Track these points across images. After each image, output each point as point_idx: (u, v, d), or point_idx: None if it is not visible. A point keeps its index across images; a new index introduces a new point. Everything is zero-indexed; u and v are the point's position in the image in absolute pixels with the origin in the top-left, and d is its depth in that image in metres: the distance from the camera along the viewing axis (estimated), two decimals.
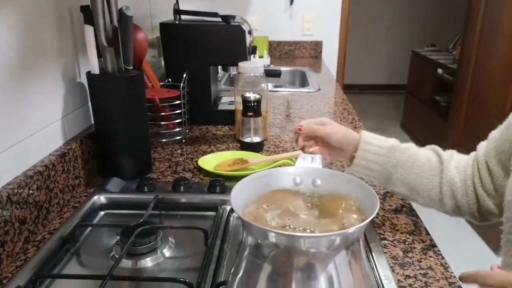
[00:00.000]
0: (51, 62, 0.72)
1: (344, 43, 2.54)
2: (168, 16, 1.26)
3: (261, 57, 2.16)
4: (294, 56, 2.52)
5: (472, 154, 0.67)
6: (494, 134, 0.65)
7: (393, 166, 0.64)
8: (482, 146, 0.66)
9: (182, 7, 1.35)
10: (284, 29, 2.47)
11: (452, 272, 0.57)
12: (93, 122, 0.83)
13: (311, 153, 0.63)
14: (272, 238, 0.30)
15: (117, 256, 0.58)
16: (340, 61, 2.58)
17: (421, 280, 0.55)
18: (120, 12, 0.76)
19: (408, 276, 0.55)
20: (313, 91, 1.64)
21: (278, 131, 1.15)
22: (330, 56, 2.53)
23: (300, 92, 1.65)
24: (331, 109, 1.42)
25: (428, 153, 0.66)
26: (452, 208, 0.64)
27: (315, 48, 2.50)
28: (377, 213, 0.70)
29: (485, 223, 0.65)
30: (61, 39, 0.75)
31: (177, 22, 1.14)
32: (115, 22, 0.76)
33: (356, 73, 4.84)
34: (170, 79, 1.12)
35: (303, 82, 1.95)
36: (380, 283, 0.53)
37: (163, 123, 1.06)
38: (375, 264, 0.57)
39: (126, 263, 0.58)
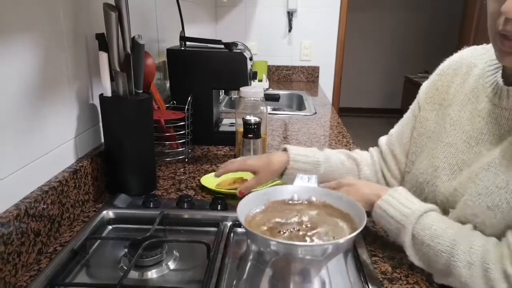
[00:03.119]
0: (67, 85, 0.77)
1: (340, 68, 2.63)
2: (174, 41, 1.33)
3: (260, 80, 2.24)
4: (292, 80, 2.60)
5: (374, 151, 0.88)
6: (394, 130, 0.86)
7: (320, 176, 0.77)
8: (383, 140, 0.87)
9: (186, 31, 1.42)
10: (283, 54, 2.56)
11: (435, 286, 0.61)
12: (102, 141, 0.89)
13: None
14: (273, 246, 0.35)
15: (125, 268, 0.62)
16: (336, 85, 2.66)
17: None
18: (133, 41, 0.83)
19: None
20: (310, 115, 1.71)
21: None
22: (326, 80, 2.62)
23: (297, 115, 1.72)
24: (326, 132, 1.48)
25: (341, 158, 0.84)
26: None
27: (312, 73, 2.59)
28: (369, 232, 0.75)
29: None
30: (77, 63, 0.80)
31: (183, 48, 1.21)
32: (128, 49, 0.82)
33: (352, 97, 4.96)
34: (175, 101, 1.17)
35: (300, 106, 2.02)
36: None
37: (167, 143, 1.11)
38: (365, 279, 0.61)
39: (133, 274, 0.62)
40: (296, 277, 0.34)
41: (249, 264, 0.37)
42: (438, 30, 4.76)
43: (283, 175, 0.82)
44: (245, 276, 0.38)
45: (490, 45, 0.71)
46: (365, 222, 0.37)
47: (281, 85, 2.43)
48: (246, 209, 0.41)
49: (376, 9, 4.85)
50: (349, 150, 1.25)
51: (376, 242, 0.73)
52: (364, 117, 5.05)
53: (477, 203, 0.58)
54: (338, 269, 0.35)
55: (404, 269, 0.65)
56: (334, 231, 0.39)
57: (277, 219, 0.43)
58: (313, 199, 0.45)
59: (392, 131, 0.87)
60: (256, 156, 0.89)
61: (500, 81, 0.63)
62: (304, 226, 0.42)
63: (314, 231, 0.40)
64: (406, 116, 0.84)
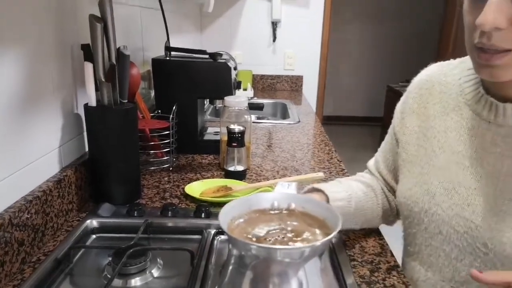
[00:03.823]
0: (52, 95, 0.78)
1: (323, 77, 2.68)
2: (159, 50, 1.34)
3: (245, 89, 2.26)
4: (276, 89, 2.64)
5: (369, 177, 0.85)
6: (379, 156, 0.85)
7: (352, 213, 0.75)
8: (371, 163, 0.87)
9: (171, 41, 1.44)
10: (267, 64, 2.60)
11: None
12: (87, 150, 0.89)
13: None
14: (254, 250, 0.37)
15: (109, 276, 0.63)
16: (320, 94, 2.71)
17: None
18: (118, 51, 0.84)
19: None
20: (293, 123, 1.74)
21: (260, 161, 1.22)
22: (310, 89, 2.66)
23: (281, 124, 1.74)
24: (309, 140, 1.51)
25: (365, 191, 0.79)
26: (385, 221, 0.84)
27: (296, 82, 2.63)
28: (349, 237, 0.78)
29: (393, 224, 0.86)
30: (62, 73, 0.81)
31: (168, 58, 1.22)
32: (113, 60, 0.83)
33: (336, 105, 5.04)
34: (160, 110, 1.19)
35: (284, 114, 2.05)
36: None
37: (152, 151, 1.12)
38: (344, 282, 0.63)
39: (117, 282, 0.63)
40: (275, 278, 0.36)
41: (230, 268, 0.39)
42: (419, 40, 4.90)
43: None
44: (226, 279, 0.39)
45: (457, 60, 0.74)
46: (339, 227, 0.39)
47: (265, 94, 2.46)
48: (228, 216, 0.43)
49: (359, 20, 4.97)
50: (331, 158, 1.28)
51: (355, 248, 0.75)
52: (348, 125, 5.13)
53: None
54: (314, 270, 0.37)
55: (381, 273, 0.67)
56: (313, 236, 0.42)
57: (260, 228, 0.45)
58: (293, 205, 0.47)
59: (377, 157, 0.86)
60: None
61: (489, 98, 0.63)
62: (286, 234, 0.44)
63: (297, 238, 0.42)
64: (387, 141, 0.83)
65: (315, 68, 2.64)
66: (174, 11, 1.77)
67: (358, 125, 5.11)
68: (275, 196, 0.48)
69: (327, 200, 0.70)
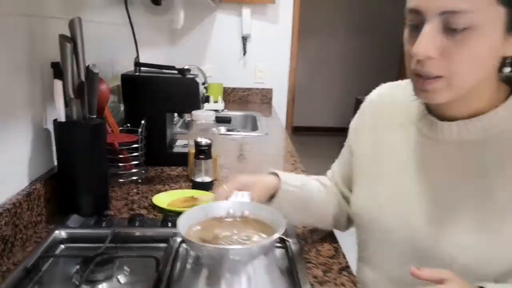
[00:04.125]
0: (22, 110, 0.81)
1: (292, 90, 2.78)
2: (129, 65, 1.38)
3: (216, 102, 2.32)
4: (248, 101, 2.71)
5: (328, 181, 0.91)
6: (336, 167, 0.92)
7: (303, 202, 0.81)
8: (329, 174, 0.93)
9: (143, 55, 1.49)
10: (238, 77, 2.67)
11: (359, 287, 0.70)
12: (55, 164, 0.92)
13: None
14: (209, 251, 0.42)
15: (77, 283, 0.66)
16: (289, 106, 2.80)
17: None
18: (88, 69, 0.88)
19: None
20: (262, 135, 1.81)
21: (227, 172, 1.28)
22: (280, 102, 2.75)
23: (250, 136, 1.81)
24: (276, 151, 1.58)
25: (319, 188, 0.86)
26: (337, 225, 0.89)
27: (266, 95, 2.71)
28: (306, 242, 0.84)
29: (345, 230, 0.92)
30: (32, 90, 0.84)
31: (137, 73, 1.27)
32: (82, 78, 0.87)
33: (306, 116, 5.18)
34: (129, 124, 1.22)
35: (254, 126, 2.12)
36: None
37: (121, 164, 1.15)
38: (299, 282, 0.69)
39: None
40: (227, 274, 0.42)
41: (188, 267, 0.45)
42: (386, 54, 5.12)
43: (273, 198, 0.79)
44: (185, 277, 0.45)
45: (405, 81, 0.80)
46: (283, 230, 0.45)
47: (236, 106, 2.52)
48: (186, 222, 0.48)
49: (327, 34, 5.15)
50: (295, 168, 1.35)
51: (312, 251, 0.81)
52: (318, 136, 5.26)
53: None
54: (261, 266, 0.43)
55: (333, 273, 0.74)
56: (261, 239, 0.47)
57: (215, 233, 0.51)
58: (246, 213, 0.53)
59: (334, 168, 0.92)
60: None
61: (430, 116, 0.69)
62: (238, 238, 0.49)
63: (247, 241, 0.48)
64: (343, 153, 0.90)
65: (285, 81, 2.73)
66: (144, 27, 1.81)
67: (328, 135, 5.26)
68: (230, 205, 0.53)
69: (279, 182, 0.77)
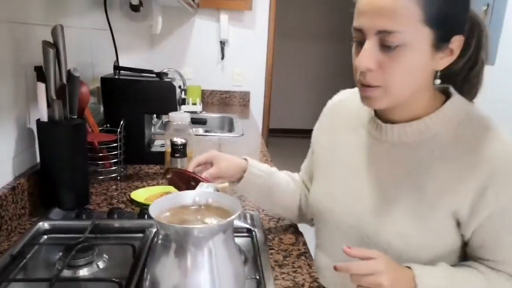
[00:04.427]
0: (7, 111, 0.87)
1: (269, 93, 2.88)
2: (109, 67, 1.45)
3: (194, 104, 2.40)
4: (226, 103, 2.79)
5: (297, 176, 1.01)
6: (304, 165, 1.00)
7: (270, 184, 0.90)
8: (300, 173, 1.01)
9: (123, 59, 1.55)
10: (216, 80, 2.75)
11: (314, 270, 0.79)
12: (38, 160, 0.98)
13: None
14: (176, 230, 0.51)
15: (59, 268, 0.73)
16: (266, 109, 2.90)
17: (291, 275, 0.77)
18: (69, 73, 0.95)
19: (283, 273, 0.77)
20: (237, 136, 1.89)
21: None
22: (257, 104, 2.84)
23: (226, 137, 1.89)
24: (250, 151, 1.66)
25: (287, 179, 0.96)
26: (303, 218, 0.97)
27: (244, 98, 2.80)
28: (270, 231, 0.93)
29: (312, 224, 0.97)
30: (16, 92, 0.91)
31: (116, 77, 1.33)
32: (64, 80, 0.94)
33: (283, 118, 5.30)
34: (108, 125, 1.29)
35: (231, 128, 2.20)
36: (262, 277, 0.73)
37: (100, 162, 1.22)
38: (261, 265, 0.77)
39: (67, 272, 0.73)
40: (191, 247, 0.50)
41: (159, 243, 0.53)
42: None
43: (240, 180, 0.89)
44: (156, 252, 0.53)
45: None
46: (238, 212, 0.54)
47: (215, 109, 2.60)
48: (157, 208, 0.57)
49: (303, 39, 5.30)
50: None
51: (275, 240, 0.90)
52: (294, 138, 5.39)
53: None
54: (220, 241, 0.52)
55: (292, 258, 0.83)
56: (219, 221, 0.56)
57: (183, 217, 0.59)
58: (210, 200, 0.62)
59: (302, 166, 1.01)
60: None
61: (377, 120, 0.77)
62: (202, 221, 0.58)
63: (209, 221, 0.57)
64: (309, 152, 0.98)
65: (261, 84, 2.83)
66: (124, 32, 1.87)
67: (304, 137, 5.38)
68: (195, 193, 0.62)
69: (247, 165, 0.88)
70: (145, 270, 0.56)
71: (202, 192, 0.63)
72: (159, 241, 0.53)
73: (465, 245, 0.74)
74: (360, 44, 0.68)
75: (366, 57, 0.66)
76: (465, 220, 0.69)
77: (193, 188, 0.70)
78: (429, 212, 0.70)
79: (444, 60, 0.68)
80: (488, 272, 0.70)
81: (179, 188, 0.82)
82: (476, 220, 0.68)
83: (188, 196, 0.61)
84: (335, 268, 0.64)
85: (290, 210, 0.96)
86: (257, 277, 0.73)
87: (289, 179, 0.98)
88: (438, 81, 0.72)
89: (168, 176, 0.85)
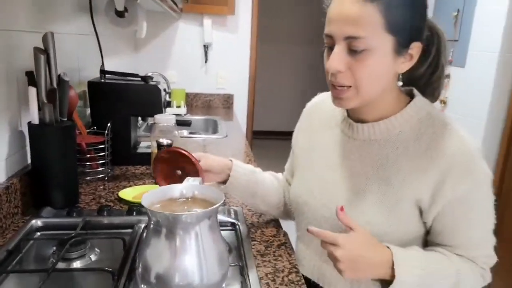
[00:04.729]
0: None
1: (252, 95, 2.94)
2: (94, 70, 1.48)
3: (178, 106, 2.45)
4: (210, 106, 2.85)
5: (281, 176, 1.07)
6: (286, 166, 1.06)
7: (255, 183, 0.96)
8: (284, 173, 1.07)
9: (108, 62, 1.59)
10: (200, 83, 2.81)
11: (294, 258, 0.86)
12: (29, 161, 1.02)
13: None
14: (166, 217, 0.57)
15: (54, 261, 0.78)
16: (250, 111, 2.96)
17: (272, 262, 0.83)
18: (59, 77, 0.99)
19: (264, 261, 0.83)
20: (221, 137, 1.95)
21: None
22: (241, 106, 2.91)
23: (210, 138, 1.95)
24: (233, 152, 1.72)
25: (271, 178, 1.02)
26: (288, 214, 1.03)
27: (228, 100, 2.86)
28: (253, 225, 0.99)
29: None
30: (8, 96, 0.95)
31: (103, 81, 1.38)
32: (54, 85, 0.99)
33: (268, 121, 5.39)
34: (95, 127, 1.33)
35: (215, 129, 2.26)
36: (245, 264, 0.79)
37: (88, 163, 1.26)
38: (244, 255, 0.84)
39: (62, 265, 0.78)
40: (181, 231, 0.57)
41: (151, 227, 0.59)
42: None
43: (226, 182, 0.94)
44: (149, 236, 0.59)
45: None
46: (221, 202, 0.60)
47: (199, 111, 2.65)
48: (149, 199, 0.62)
49: (284, 43, 5.41)
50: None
51: (257, 232, 0.97)
52: (278, 140, 5.47)
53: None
54: (205, 227, 0.59)
55: (273, 248, 0.89)
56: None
57: (172, 209, 0.65)
58: (196, 193, 0.68)
59: (286, 166, 1.07)
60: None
61: (349, 119, 0.85)
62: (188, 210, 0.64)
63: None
64: (291, 153, 1.04)
65: (245, 86, 2.89)
66: (109, 36, 1.91)
67: (287, 139, 5.48)
68: (183, 186, 0.68)
69: (232, 165, 0.93)
70: (137, 254, 0.62)
71: (189, 185, 0.68)
72: (151, 227, 0.59)
73: (427, 233, 0.81)
74: (331, 49, 0.75)
75: (336, 60, 0.73)
76: (426, 208, 0.77)
77: (179, 180, 0.76)
78: (395, 202, 0.78)
79: (405, 64, 0.76)
80: (449, 255, 0.78)
81: (160, 184, 0.87)
82: (435, 209, 0.76)
83: (176, 189, 0.67)
84: (308, 230, 0.73)
85: (275, 207, 1.02)
86: (241, 264, 0.79)
87: (273, 178, 1.04)
88: (400, 83, 0.80)
89: (163, 155, 0.88)
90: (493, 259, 0.81)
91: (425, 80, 0.85)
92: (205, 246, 0.58)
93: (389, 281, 0.74)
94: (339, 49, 0.72)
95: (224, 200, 0.65)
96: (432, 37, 0.80)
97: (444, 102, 2.16)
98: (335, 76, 0.75)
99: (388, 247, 0.75)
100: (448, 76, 2.15)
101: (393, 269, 0.73)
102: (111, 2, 1.56)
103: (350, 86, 0.75)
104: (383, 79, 0.76)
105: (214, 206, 0.59)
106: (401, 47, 0.73)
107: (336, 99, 0.79)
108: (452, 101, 2.16)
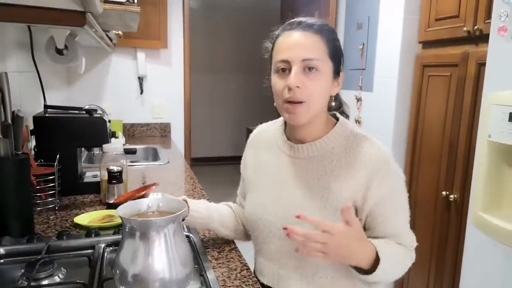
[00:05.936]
0: None
1: (188, 124, 3.07)
2: (33, 106, 1.52)
3: (117, 137, 2.49)
4: (147, 135, 2.91)
5: (234, 204, 1.18)
6: (239, 190, 1.17)
7: (211, 220, 1.07)
8: (238, 198, 1.18)
9: (46, 96, 1.63)
10: (137, 114, 2.88)
11: (243, 259, 1.00)
12: None
13: None
14: (139, 223, 0.69)
15: (25, 283, 0.84)
16: (187, 138, 3.08)
17: (226, 264, 0.97)
18: (14, 114, 1.06)
19: (219, 263, 0.97)
20: (164, 164, 2.05)
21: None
22: (178, 134, 3.02)
23: (153, 165, 2.04)
24: (177, 176, 1.84)
25: (225, 207, 1.15)
26: (246, 235, 1.13)
27: (165, 129, 2.96)
28: (205, 236, 1.12)
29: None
30: None
31: (47, 115, 1.43)
32: (9, 121, 1.05)
33: (204, 147, 5.51)
34: (42, 159, 1.37)
35: (156, 157, 2.34)
36: (203, 267, 0.92)
37: (38, 194, 1.30)
38: (200, 259, 0.96)
39: (33, 284, 0.84)
40: (152, 233, 0.69)
41: (126, 231, 0.70)
42: (268, 89, 5.77)
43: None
44: (124, 239, 0.70)
45: (279, 119, 1.11)
46: (183, 209, 0.74)
47: (137, 141, 2.71)
48: (123, 211, 0.74)
49: (217, 72, 5.66)
50: (194, 188, 1.63)
51: (210, 241, 1.10)
52: (216, 165, 5.62)
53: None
54: (171, 230, 0.72)
55: (225, 252, 1.03)
56: None
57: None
58: (161, 205, 0.80)
59: (238, 192, 1.17)
60: None
61: (289, 142, 0.99)
62: None
63: None
64: (241, 179, 1.14)
65: (181, 115, 3.02)
66: (49, 72, 1.95)
67: (224, 164, 5.65)
68: (148, 201, 0.80)
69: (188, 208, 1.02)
70: (115, 261, 0.73)
71: (154, 199, 0.81)
72: (126, 231, 0.71)
73: (364, 229, 0.97)
74: (284, 71, 0.91)
75: (295, 78, 0.89)
76: (360, 206, 0.93)
77: None
78: (336, 206, 0.92)
79: (336, 89, 0.96)
80: (392, 242, 0.95)
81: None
82: (367, 207, 0.93)
83: (144, 203, 0.80)
84: (284, 228, 0.84)
85: (237, 230, 1.12)
86: (198, 266, 0.92)
87: (227, 206, 1.14)
88: (333, 103, 1.00)
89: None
90: (415, 242, 1.00)
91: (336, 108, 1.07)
92: (173, 246, 0.71)
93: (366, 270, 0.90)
94: (296, 70, 0.89)
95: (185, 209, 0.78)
96: None
97: (359, 122, 2.49)
98: (293, 92, 0.89)
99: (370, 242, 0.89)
100: (360, 99, 2.50)
101: (375, 261, 0.89)
102: (51, 40, 1.62)
103: (303, 102, 0.90)
104: (326, 97, 0.94)
105: (179, 212, 0.73)
106: (335, 73, 0.94)
107: (291, 115, 0.92)
108: (364, 120, 2.50)
